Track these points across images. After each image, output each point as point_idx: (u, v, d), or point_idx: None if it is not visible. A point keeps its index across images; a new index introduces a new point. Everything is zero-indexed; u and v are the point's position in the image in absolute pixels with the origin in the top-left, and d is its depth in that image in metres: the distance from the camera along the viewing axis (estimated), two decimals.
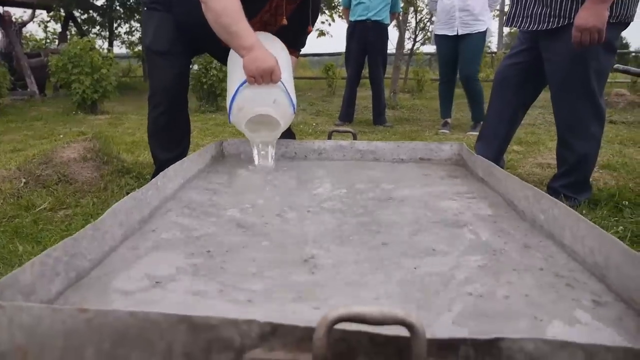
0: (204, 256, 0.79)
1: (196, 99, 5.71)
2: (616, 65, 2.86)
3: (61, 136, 3.78)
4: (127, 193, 2.07)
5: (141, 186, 2.20)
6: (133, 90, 8.79)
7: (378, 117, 4.67)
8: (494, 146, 2.15)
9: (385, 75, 4.90)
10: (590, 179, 1.98)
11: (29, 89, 7.30)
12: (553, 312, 0.65)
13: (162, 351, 0.45)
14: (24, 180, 2.06)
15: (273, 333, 0.44)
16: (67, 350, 0.46)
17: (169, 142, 1.86)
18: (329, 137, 1.67)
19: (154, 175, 1.76)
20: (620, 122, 4.54)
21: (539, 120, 4.72)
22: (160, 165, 1.83)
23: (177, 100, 1.81)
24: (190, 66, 2.03)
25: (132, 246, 0.82)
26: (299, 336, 0.44)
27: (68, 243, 0.66)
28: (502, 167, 2.23)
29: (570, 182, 1.92)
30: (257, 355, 0.44)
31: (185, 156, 1.59)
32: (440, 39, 4.07)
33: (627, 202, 1.86)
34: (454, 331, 0.59)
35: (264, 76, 1.32)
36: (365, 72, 4.90)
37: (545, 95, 2.20)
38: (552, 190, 1.96)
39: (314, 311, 0.63)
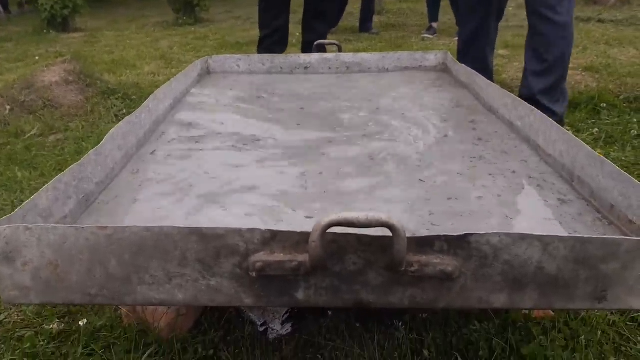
0: (202, 176, 0.85)
1: (173, 11, 5.44)
2: None
3: (37, 58, 3.65)
4: (115, 115, 2.10)
5: (128, 107, 2.20)
6: (104, 2, 8.30)
7: (364, 24, 4.53)
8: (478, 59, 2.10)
9: None
10: (571, 82, 1.99)
11: None
12: (522, 210, 0.72)
13: (177, 258, 0.51)
14: (8, 107, 2.05)
15: (273, 239, 0.51)
16: (93, 262, 0.52)
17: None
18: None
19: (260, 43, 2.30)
20: (609, 20, 4.45)
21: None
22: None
23: None
24: None
25: (133, 169, 0.87)
26: (297, 240, 0.50)
27: (75, 169, 0.70)
28: (491, 71, 2.20)
29: (549, 85, 1.87)
30: (260, 257, 0.51)
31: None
32: None
33: (604, 105, 1.91)
34: (433, 229, 0.67)
35: None
36: None
37: None
38: (534, 101, 1.97)
39: (306, 220, 0.70)
